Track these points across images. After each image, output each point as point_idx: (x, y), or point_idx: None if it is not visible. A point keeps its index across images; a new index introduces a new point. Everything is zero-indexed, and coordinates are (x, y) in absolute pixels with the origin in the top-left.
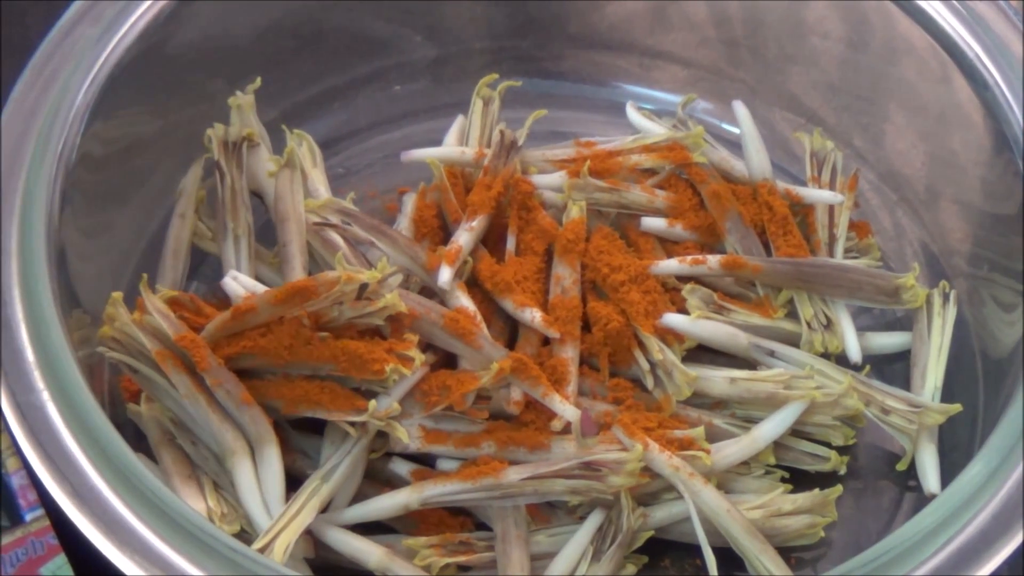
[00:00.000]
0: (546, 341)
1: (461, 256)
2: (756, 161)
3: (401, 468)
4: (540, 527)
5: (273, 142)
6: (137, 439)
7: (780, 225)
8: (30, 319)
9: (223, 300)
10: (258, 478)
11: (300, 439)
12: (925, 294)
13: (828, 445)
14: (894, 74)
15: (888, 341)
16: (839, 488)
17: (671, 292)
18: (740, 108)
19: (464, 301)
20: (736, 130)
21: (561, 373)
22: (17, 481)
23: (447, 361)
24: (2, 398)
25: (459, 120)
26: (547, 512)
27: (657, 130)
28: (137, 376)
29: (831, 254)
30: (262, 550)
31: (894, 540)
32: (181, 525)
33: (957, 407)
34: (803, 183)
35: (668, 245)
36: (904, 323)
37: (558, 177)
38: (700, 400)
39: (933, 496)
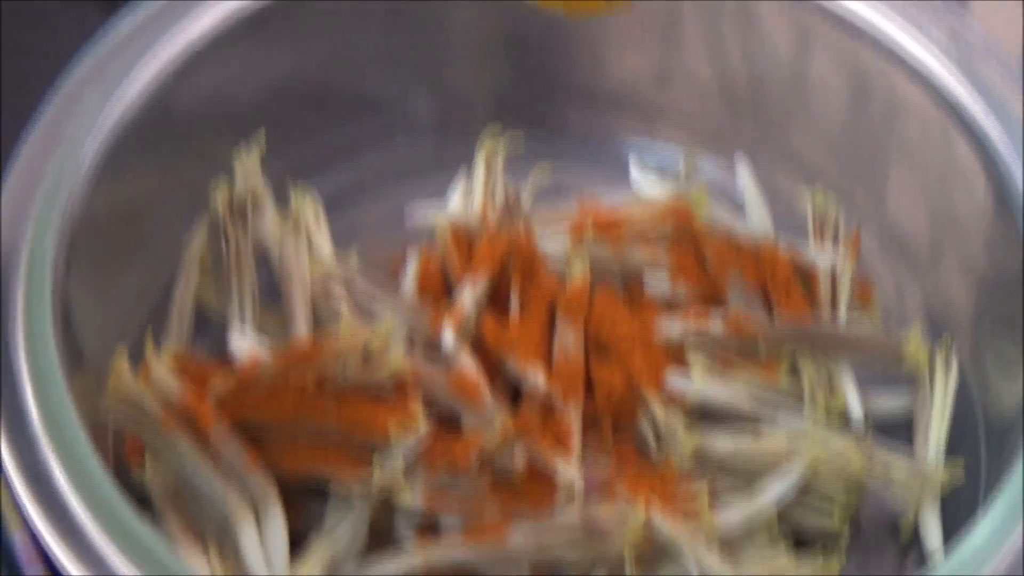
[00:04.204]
0: (550, 402)
1: (464, 316)
2: (758, 220)
3: (405, 529)
4: None
5: (278, 200)
6: (141, 500)
7: (782, 285)
8: (35, 379)
9: (228, 360)
10: (262, 541)
11: (304, 500)
12: (927, 354)
13: (831, 505)
14: (896, 132)
15: (890, 402)
16: (842, 549)
17: (674, 352)
18: (742, 167)
19: (467, 361)
20: (739, 189)
21: (564, 434)
22: (19, 541)
23: (451, 422)
24: (5, 458)
25: (463, 177)
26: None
27: (660, 188)
28: (142, 438)
29: (833, 314)
30: None
31: None
32: None
33: (960, 468)
34: (805, 242)
35: (671, 305)
36: (906, 383)
37: (561, 236)
38: (704, 461)
39: (936, 557)
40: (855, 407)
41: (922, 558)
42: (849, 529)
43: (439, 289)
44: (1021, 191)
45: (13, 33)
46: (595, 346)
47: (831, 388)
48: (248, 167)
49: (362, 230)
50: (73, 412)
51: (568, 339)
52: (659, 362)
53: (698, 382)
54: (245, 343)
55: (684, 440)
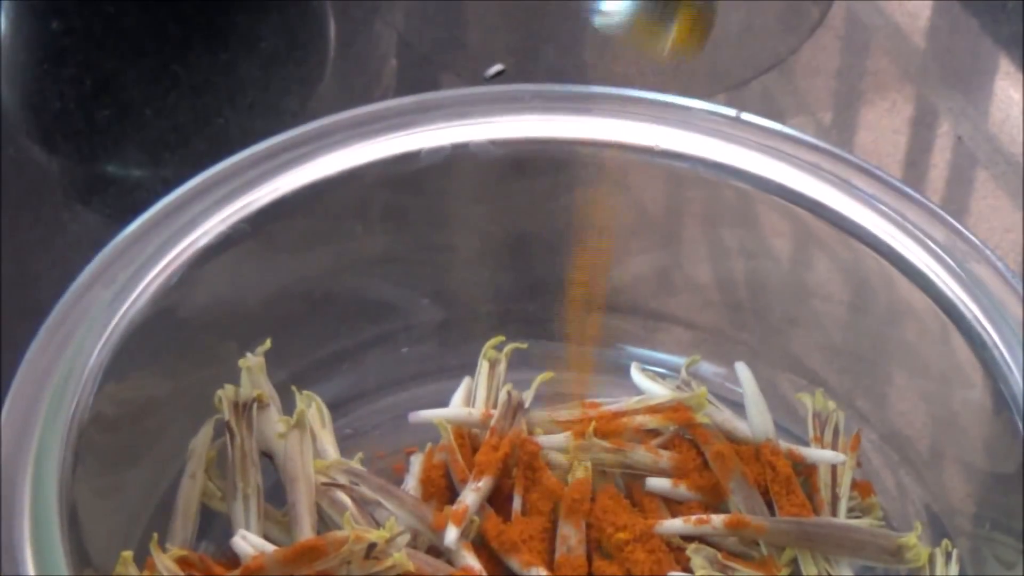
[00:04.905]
0: None
1: (468, 516)
2: (759, 422)
3: None
4: None
5: (283, 403)
6: None
7: (783, 485)
8: None
9: (233, 560)
10: None
11: None
12: (928, 553)
13: None
14: (895, 336)
15: None
16: None
17: (676, 551)
18: (743, 370)
19: (470, 560)
20: (739, 391)
21: None
22: None
23: None
24: None
25: (466, 382)
26: None
27: (661, 391)
28: None
29: (834, 514)
30: None
31: None
32: None
33: None
34: (806, 443)
35: (672, 505)
36: None
37: (563, 438)
38: None
39: None
40: None
41: None
42: None
43: (442, 489)
44: (1019, 393)
45: (16, 238)
46: (597, 544)
47: None
48: (253, 369)
49: (366, 433)
50: None
51: (570, 537)
52: (660, 560)
53: None
54: (248, 545)
55: None
